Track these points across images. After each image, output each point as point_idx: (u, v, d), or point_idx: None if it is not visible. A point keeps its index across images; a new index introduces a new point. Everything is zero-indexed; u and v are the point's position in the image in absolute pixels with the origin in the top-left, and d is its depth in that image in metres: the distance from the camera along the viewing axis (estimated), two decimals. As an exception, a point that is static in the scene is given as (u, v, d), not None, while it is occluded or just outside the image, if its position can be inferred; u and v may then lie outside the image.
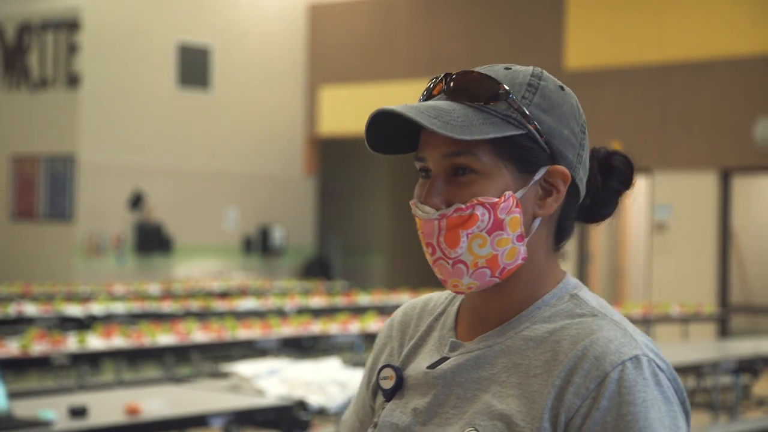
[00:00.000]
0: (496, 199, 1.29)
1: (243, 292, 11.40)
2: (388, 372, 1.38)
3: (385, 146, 1.37)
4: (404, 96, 14.51)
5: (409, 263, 16.53)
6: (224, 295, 10.91)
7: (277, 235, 14.99)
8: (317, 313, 9.17)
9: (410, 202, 1.36)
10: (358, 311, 9.25)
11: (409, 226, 16.78)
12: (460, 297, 1.41)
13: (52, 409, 4.09)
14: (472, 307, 1.37)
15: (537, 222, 1.32)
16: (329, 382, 5.01)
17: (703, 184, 11.97)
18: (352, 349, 8.63)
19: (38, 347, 6.12)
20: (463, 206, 1.29)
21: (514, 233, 1.30)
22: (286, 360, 5.48)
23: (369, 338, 8.19)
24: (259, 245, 14.91)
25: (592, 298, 1.34)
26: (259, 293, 11.28)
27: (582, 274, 12.79)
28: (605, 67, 12.66)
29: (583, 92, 13.28)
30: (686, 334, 10.54)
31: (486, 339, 1.33)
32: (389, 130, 1.35)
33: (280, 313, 9.05)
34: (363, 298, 10.33)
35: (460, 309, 1.40)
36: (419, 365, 1.37)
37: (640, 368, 1.24)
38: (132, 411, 4.21)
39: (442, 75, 1.35)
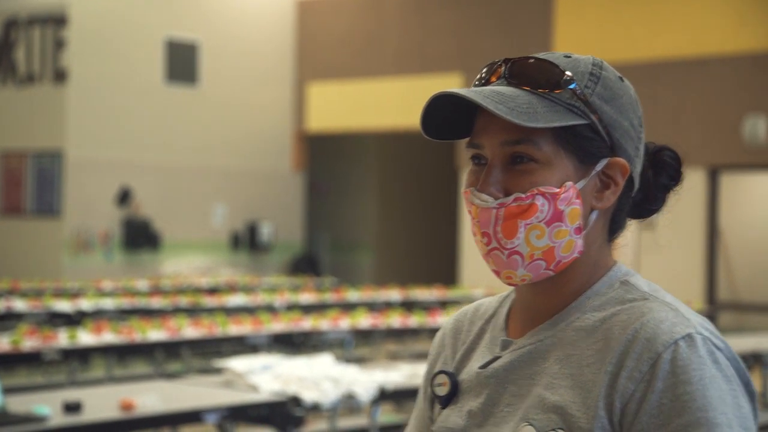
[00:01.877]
0: (557, 190, 1.26)
1: (232, 288, 11.37)
2: (442, 378, 1.36)
3: (436, 132, 1.32)
4: (393, 93, 14.51)
5: (397, 259, 16.54)
6: (213, 291, 10.88)
7: (265, 231, 14.96)
8: (307, 309, 9.16)
9: (463, 191, 1.31)
10: (348, 307, 9.24)
11: (397, 222, 16.82)
12: (511, 298, 1.39)
13: (45, 405, 4.08)
14: (522, 303, 1.35)
15: (594, 215, 1.30)
16: (323, 378, 5.00)
17: (692, 182, 11.97)
18: (342, 346, 8.63)
19: (29, 343, 6.10)
20: (523, 195, 1.26)
21: (572, 225, 1.27)
22: (279, 356, 5.47)
23: (359, 334, 8.19)
24: (247, 241, 14.88)
25: (643, 283, 1.31)
26: (248, 289, 11.26)
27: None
28: (594, 64, 12.68)
29: (572, 89, 13.29)
30: (674, 330, 10.57)
31: (537, 333, 1.30)
32: (441, 116, 1.31)
33: (270, 309, 9.03)
34: (352, 295, 10.32)
35: (511, 308, 1.37)
36: (472, 368, 1.35)
37: (694, 346, 1.20)
38: (126, 406, 4.20)
39: (500, 60, 1.32)
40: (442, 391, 1.35)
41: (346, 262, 16.36)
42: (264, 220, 15.06)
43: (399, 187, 16.73)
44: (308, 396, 4.81)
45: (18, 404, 4.10)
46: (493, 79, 1.31)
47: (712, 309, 11.46)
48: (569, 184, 1.27)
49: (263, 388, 4.83)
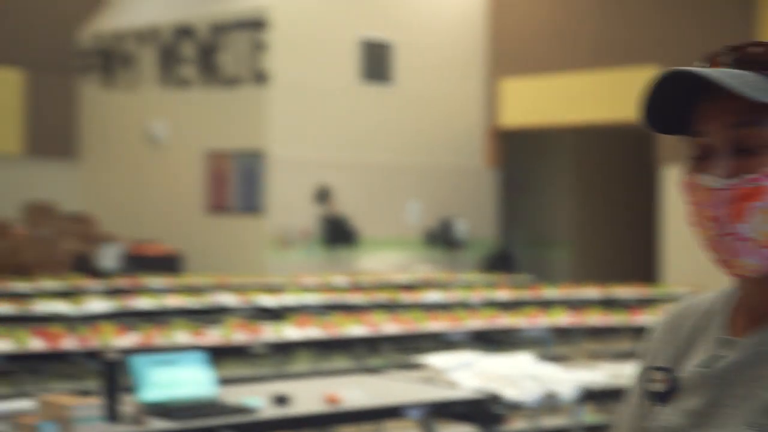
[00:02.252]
0: None
1: (428, 285, 11.47)
2: (658, 375, 1.32)
3: (654, 123, 1.27)
4: (588, 86, 14.27)
5: (594, 256, 16.27)
6: (409, 287, 11.00)
7: (460, 228, 15.02)
8: (503, 306, 9.13)
9: (682, 180, 1.26)
10: (545, 305, 9.16)
11: (594, 218, 16.54)
12: (730, 294, 1.33)
13: (255, 397, 4.23)
14: (747, 299, 1.28)
15: None
16: (523, 376, 4.98)
17: None
18: (540, 344, 8.56)
19: (238, 336, 6.34)
20: (753, 177, 1.19)
21: None
22: (478, 353, 5.47)
23: (558, 333, 8.10)
24: (442, 238, 14.97)
25: None
26: (443, 286, 11.32)
27: None
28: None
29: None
30: None
31: (764, 333, 1.23)
32: (656, 107, 1.25)
33: (466, 306, 9.06)
34: (550, 292, 10.21)
35: (734, 305, 1.31)
36: (691, 366, 1.30)
37: None
38: (331, 400, 4.30)
39: (721, 48, 1.27)
40: (658, 387, 1.31)
41: (541, 259, 16.21)
42: (458, 216, 15.12)
43: (596, 182, 16.45)
44: (509, 394, 4.80)
45: (230, 395, 4.27)
46: (714, 66, 1.26)
47: None
48: None
49: (463, 384, 4.85)
